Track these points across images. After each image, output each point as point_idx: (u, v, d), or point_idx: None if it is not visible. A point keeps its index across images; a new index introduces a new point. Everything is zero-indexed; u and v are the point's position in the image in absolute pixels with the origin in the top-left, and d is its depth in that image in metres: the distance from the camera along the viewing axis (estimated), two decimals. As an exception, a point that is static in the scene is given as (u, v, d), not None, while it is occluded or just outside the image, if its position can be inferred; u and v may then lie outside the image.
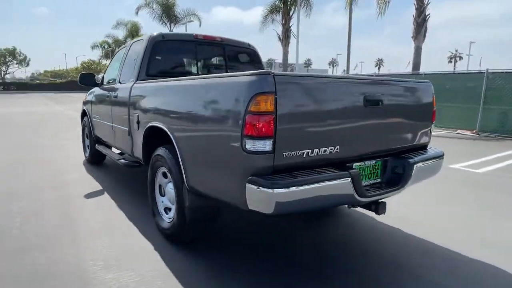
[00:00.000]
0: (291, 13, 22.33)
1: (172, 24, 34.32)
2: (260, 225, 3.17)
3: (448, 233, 3.03)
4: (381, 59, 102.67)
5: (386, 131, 2.45)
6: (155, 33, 3.60)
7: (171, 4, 33.15)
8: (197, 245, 2.69)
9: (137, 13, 33.37)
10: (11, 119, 12.09)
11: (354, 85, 2.25)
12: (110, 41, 49.66)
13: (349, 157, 2.23)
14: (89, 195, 3.89)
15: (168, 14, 33.40)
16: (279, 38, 22.92)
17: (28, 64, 54.88)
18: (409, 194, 3.45)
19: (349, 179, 2.03)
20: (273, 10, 23.25)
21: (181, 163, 2.40)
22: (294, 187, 1.81)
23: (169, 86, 2.78)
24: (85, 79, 4.66)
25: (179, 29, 36.32)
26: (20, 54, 53.43)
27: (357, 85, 2.25)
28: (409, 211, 3.54)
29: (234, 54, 4.25)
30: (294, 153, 1.91)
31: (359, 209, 2.78)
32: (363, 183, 2.32)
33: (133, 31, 42.10)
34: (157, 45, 3.58)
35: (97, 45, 50.73)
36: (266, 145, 1.81)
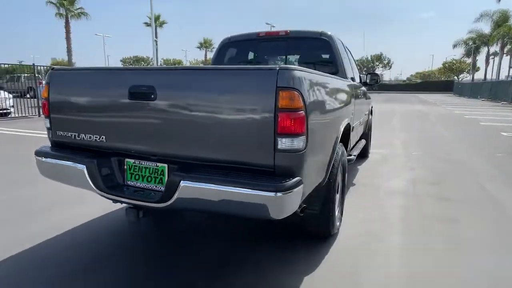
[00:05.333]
0: None
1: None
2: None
3: None
4: None
5: (169, 132, 1.97)
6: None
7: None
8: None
9: (499, 0, 28.27)
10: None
11: (117, 76, 2.08)
12: (474, 36, 45.21)
13: (118, 150, 2.16)
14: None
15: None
16: None
17: (390, 67, 61.86)
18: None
19: (84, 167, 2.11)
20: None
21: None
22: (41, 157, 2.32)
23: None
24: None
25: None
26: (385, 59, 61.12)
27: (121, 75, 2.07)
28: None
29: (298, 47, 3.91)
30: (64, 134, 2.34)
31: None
32: (141, 184, 2.13)
33: (500, 21, 36.03)
34: (224, 46, 4.20)
35: (460, 43, 47.87)
36: (47, 123, 2.42)
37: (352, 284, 2.22)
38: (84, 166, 2.13)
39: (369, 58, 61.35)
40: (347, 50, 4.32)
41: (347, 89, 3.17)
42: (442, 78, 60.07)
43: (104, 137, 2.19)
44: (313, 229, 2.71)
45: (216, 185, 1.77)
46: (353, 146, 4.84)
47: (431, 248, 2.71)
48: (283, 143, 1.73)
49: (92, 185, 2.12)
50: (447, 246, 2.75)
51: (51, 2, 30.54)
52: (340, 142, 2.88)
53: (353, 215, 3.34)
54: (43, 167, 2.37)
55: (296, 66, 1.81)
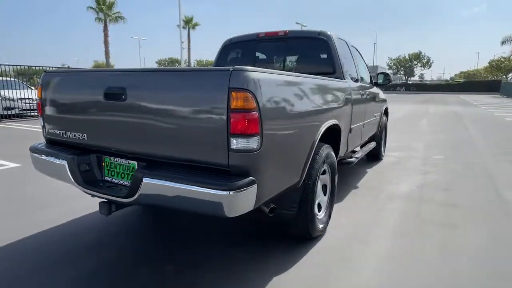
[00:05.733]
0: None
1: None
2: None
3: None
4: None
5: (137, 131, 2.06)
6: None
7: None
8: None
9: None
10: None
11: (96, 77, 2.20)
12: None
13: (97, 147, 2.29)
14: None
15: None
16: None
17: (430, 66, 58.64)
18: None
19: (66, 162, 2.26)
20: None
21: None
22: (33, 153, 2.50)
23: None
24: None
25: None
26: (424, 57, 57.97)
27: (99, 77, 2.19)
28: None
29: (297, 47, 3.89)
30: (54, 131, 2.52)
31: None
32: (116, 180, 2.25)
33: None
34: (226, 48, 4.27)
35: (509, 40, 44.65)
36: (41, 121, 2.61)
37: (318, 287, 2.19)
38: (66, 162, 2.28)
39: (407, 57, 58.65)
40: (351, 51, 4.22)
41: (336, 89, 3.11)
42: (489, 78, 56.25)
43: (85, 135, 2.33)
44: (293, 230, 2.70)
45: (174, 183, 1.84)
46: (360, 148, 4.74)
47: (418, 254, 2.60)
48: (236, 143, 1.76)
49: (72, 179, 2.26)
50: (436, 252, 2.62)
51: (91, 8, 32.48)
52: (327, 143, 2.86)
53: (345, 218, 3.28)
54: (35, 162, 2.56)
55: (251, 67, 1.83)
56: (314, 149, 2.49)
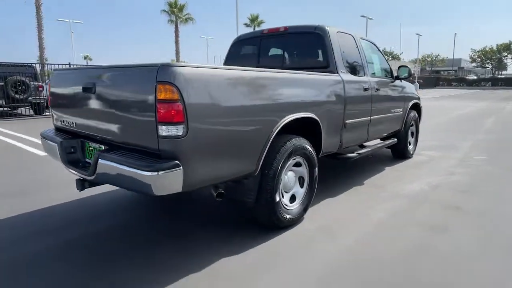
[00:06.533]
0: None
1: None
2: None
3: None
4: None
5: (102, 119, 2.40)
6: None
7: None
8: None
9: None
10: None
11: (81, 73, 2.60)
12: None
13: (82, 133, 2.68)
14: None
15: None
16: None
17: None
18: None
19: (56, 144, 2.70)
20: None
21: None
22: (42, 138, 3.01)
23: None
24: None
25: None
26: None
27: (82, 73, 2.57)
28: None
29: (294, 42, 3.91)
30: (57, 120, 3.00)
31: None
32: (91, 161, 2.61)
33: None
34: (235, 44, 4.48)
35: None
36: (50, 111, 3.11)
37: (254, 274, 2.29)
38: (56, 144, 2.72)
39: (494, 48, 51.71)
40: (359, 45, 4.10)
41: (314, 82, 3.10)
42: None
43: (74, 123, 2.75)
44: (258, 218, 2.81)
45: (116, 164, 2.13)
46: (377, 143, 4.60)
47: (376, 255, 2.51)
48: (163, 130, 1.97)
49: (60, 159, 2.70)
50: (398, 254, 2.50)
51: (164, 11, 35.29)
52: (305, 136, 2.93)
53: (328, 212, 3.26)
54: (43, 145, 3.08)
55: (178, 63, 2.01)
56: (271, 140, 2.55)
